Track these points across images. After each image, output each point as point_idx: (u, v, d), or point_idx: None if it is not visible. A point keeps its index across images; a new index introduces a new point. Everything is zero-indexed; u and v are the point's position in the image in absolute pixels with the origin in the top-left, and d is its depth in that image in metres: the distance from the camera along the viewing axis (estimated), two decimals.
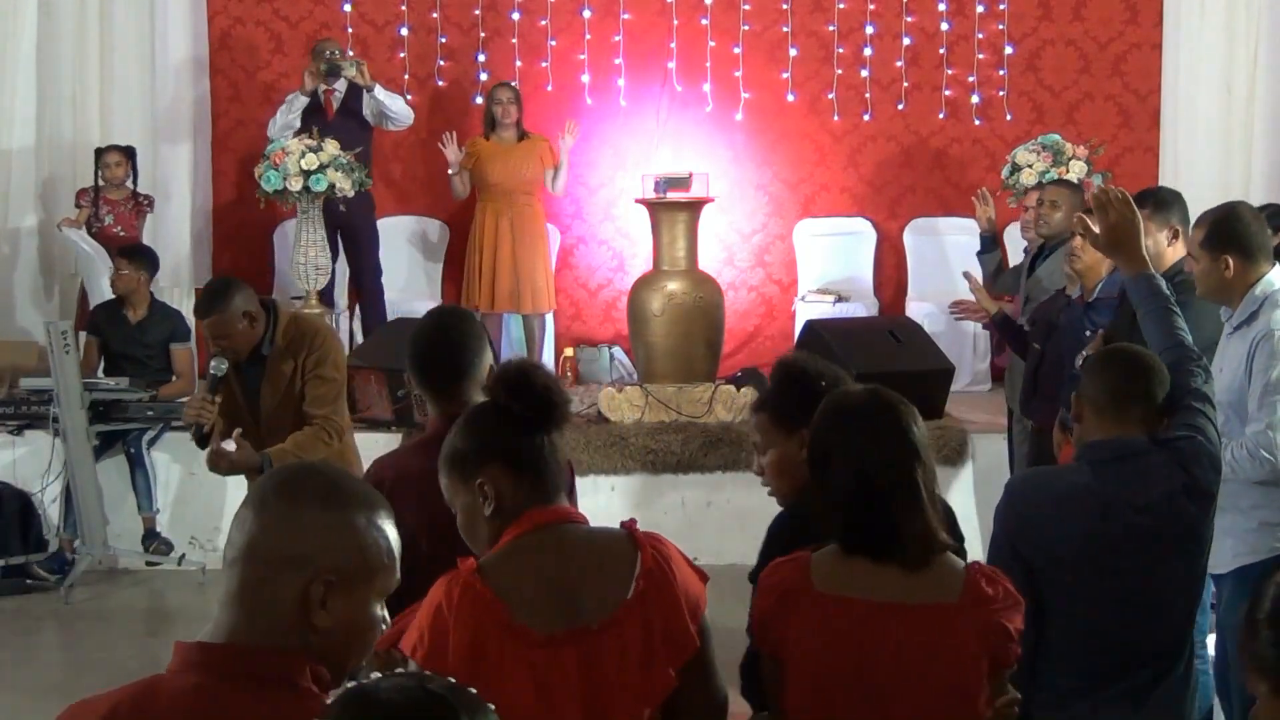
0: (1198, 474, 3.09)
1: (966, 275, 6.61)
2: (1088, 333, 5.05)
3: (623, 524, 2.57)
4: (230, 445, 4.46)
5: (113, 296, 7.90)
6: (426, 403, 3.36)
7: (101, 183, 8.47)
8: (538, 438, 2.52)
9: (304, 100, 8.43)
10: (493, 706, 1.57)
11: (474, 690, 1.57)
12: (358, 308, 8.85)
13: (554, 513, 2.51)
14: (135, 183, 8.57)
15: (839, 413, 2.65)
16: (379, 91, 8.51)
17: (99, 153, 8.51)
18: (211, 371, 4.59)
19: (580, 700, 2.40)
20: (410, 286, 9.17)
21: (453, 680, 1.57)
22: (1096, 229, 3.55)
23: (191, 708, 1.76)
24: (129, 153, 8.54)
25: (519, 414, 2.52)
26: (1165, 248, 4.51)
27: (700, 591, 2.52)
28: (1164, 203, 4.58)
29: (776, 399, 3.03)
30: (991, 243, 7.30)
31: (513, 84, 8.89)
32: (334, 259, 8.50)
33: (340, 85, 8.48)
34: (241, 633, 1.81)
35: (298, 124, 8.43)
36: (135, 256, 7.75)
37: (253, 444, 4.57)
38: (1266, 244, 4.03)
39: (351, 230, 8.54)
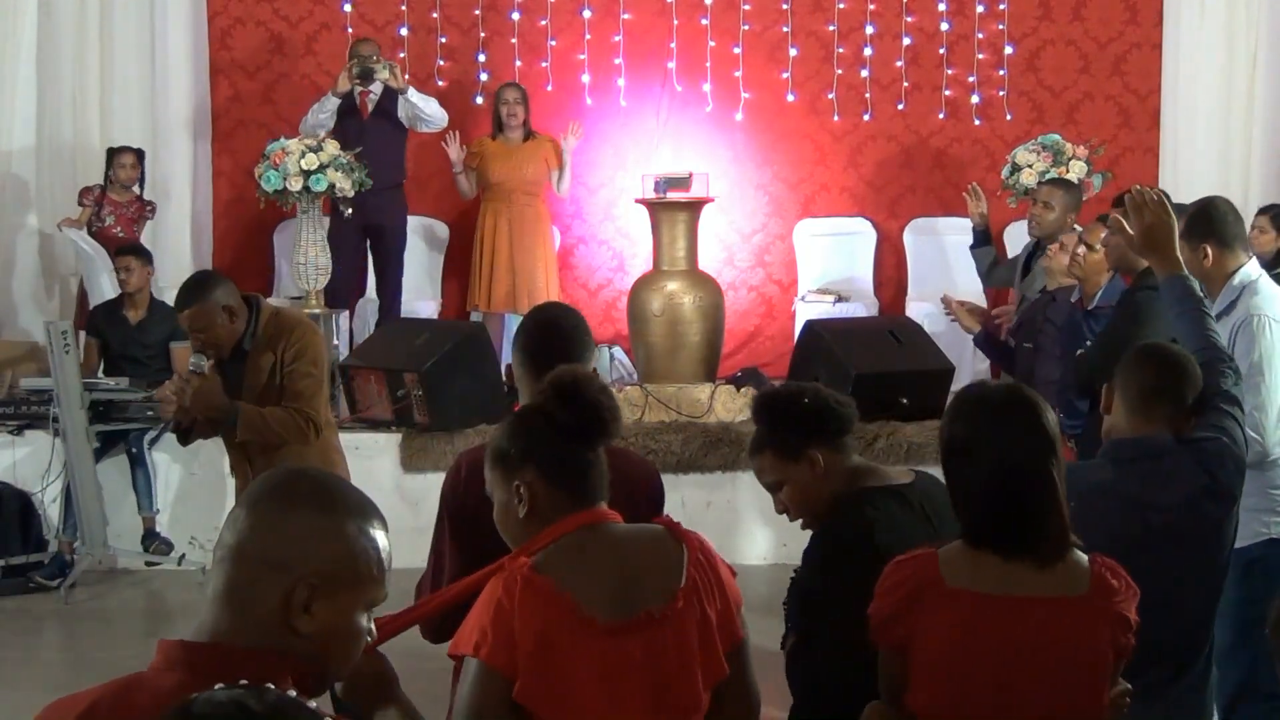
0: (1220, 476, 3.10)
1: (944, 300, 6.51)
2: (1088, 341, 5.06)
3: (657, 520, 2.59)
4: (205, 365, 4.46)
5: (113, 296, 7.90)
6: (521, 396, 3.27)
7: (109, 182, 8.46)
8: (581, 449, 2.52)
9: (335, 101, 8.44)
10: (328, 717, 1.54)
11: (310, 706, 1.53)
12: (367, 306, 8.85)
13: (595, 514, 2.51)
14: (142, 187, 8.58)
15: (980, 406, 2.64)
16: (412, 94, 8.52)
17: (113, 152, 8.49)
18: (190, 369, 4.56)
19: (647, 688, 2.42)
20: (412, 286, 9.16)
21: (290, 695, 1.54)
22: (1131, 229, 3.63)
23: (171, 706, 1.75)
24: (140, 155, 8.56)
25: (565, 425, 2.51)
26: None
27: (735, 584, 2.55)
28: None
29: (771, 434, 3.00)
30: (984, 237, 7.31)
31: (519, 85, 8.89)
32: (356, 257, 8.51)
33: (376, 87, 8.48)
34: (225, 633, 1.79)
35: (331, 124, 8.44)
36: (139, 253, 7.77)
37: (233, 441, 4.56)
38: (1242, 234, 4.18)
39: (382, 230, 8.55)
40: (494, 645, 2.39)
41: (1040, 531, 2.53)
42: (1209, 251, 4.04)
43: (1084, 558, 2.58)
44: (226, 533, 1.84)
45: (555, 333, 3.21)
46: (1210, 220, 4.08)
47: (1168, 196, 3.66)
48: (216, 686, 1.54)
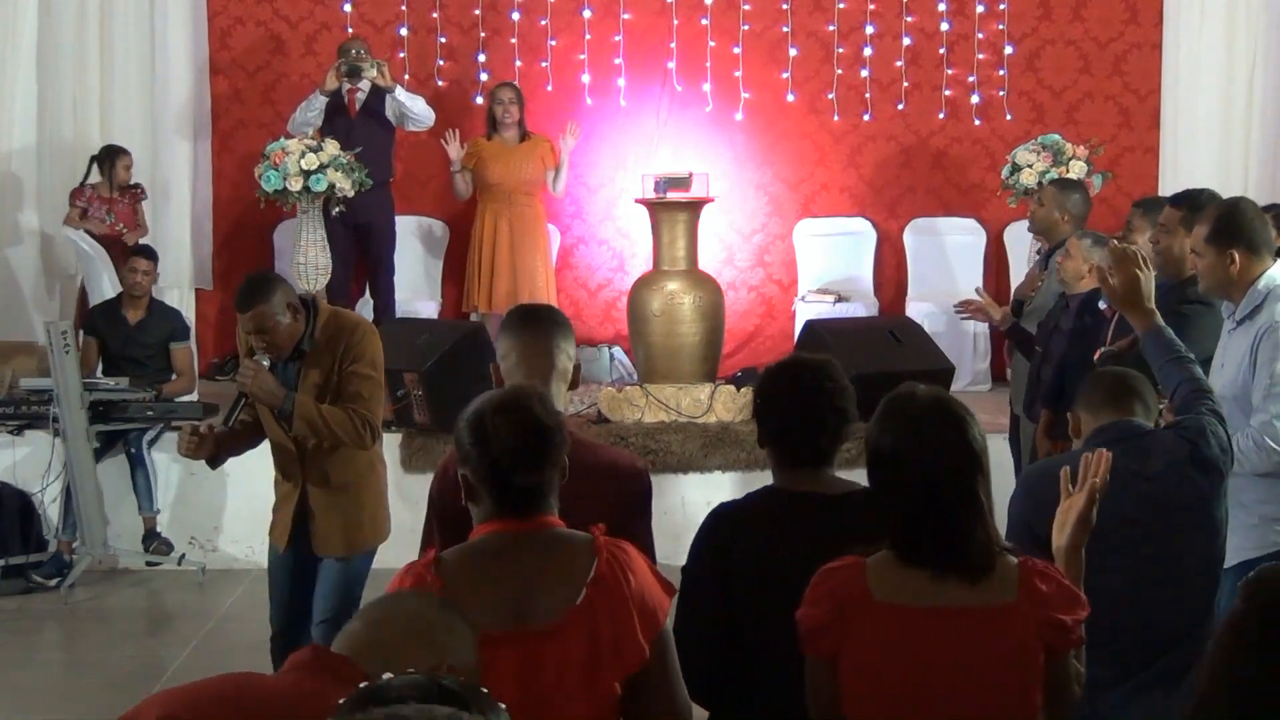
0: (1202, 446, 3.16)
1: (978, 291, 6.55)
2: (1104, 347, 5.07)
3: (591, 529, 2.56)
4: (265, 361, 4.41)
5: (112, 296, 7.91)
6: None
7: (97, 179, 8.44)
8: (512, 469, 2.50)
9: (323, 100, 8.43)
10: (504, 705, 1.57)
11: (486, 690, 1.57)
12: (365, 307, 8.85)
13: (513, 523, 2.51)
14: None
15: (904, 417, 2.59)
16: (400, 93, 8.52)
17: (114, 153, 8.46)
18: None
19: (516, 703, 2.38)
20: (412, 286, 9.17)
21: (462, 679, 1.58)
22: (1113, 280, 3.66)
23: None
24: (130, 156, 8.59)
25: (494, 451, 2.50)
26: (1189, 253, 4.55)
27: (660, 603, 2.51)
28: (1201, 207, 4.58)
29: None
30: (1020, 330, 6.39)
31: (514, 84, 8.89)
32: (352, 257, 8.51)
33: (364, 85, 8.48)
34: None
35: (319, 122, 8.44)
36: (150, 255, 7.80)
37: (286, 444, 4.52)
38: (1270, 238, 4.08)
39: (370, 229, 8.54)
40: None
41: (963, 549, 2.50)
42: (1236, 257, 3.97)
43: (1012, 561, 2.55)
44: None
45: (535, 322, 3.28)
46: (1240, 225, 4.00)
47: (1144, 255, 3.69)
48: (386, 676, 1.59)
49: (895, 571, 2.53)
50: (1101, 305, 5.39)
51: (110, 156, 8.46)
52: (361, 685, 1.57)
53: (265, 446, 4.69)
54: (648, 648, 2.46)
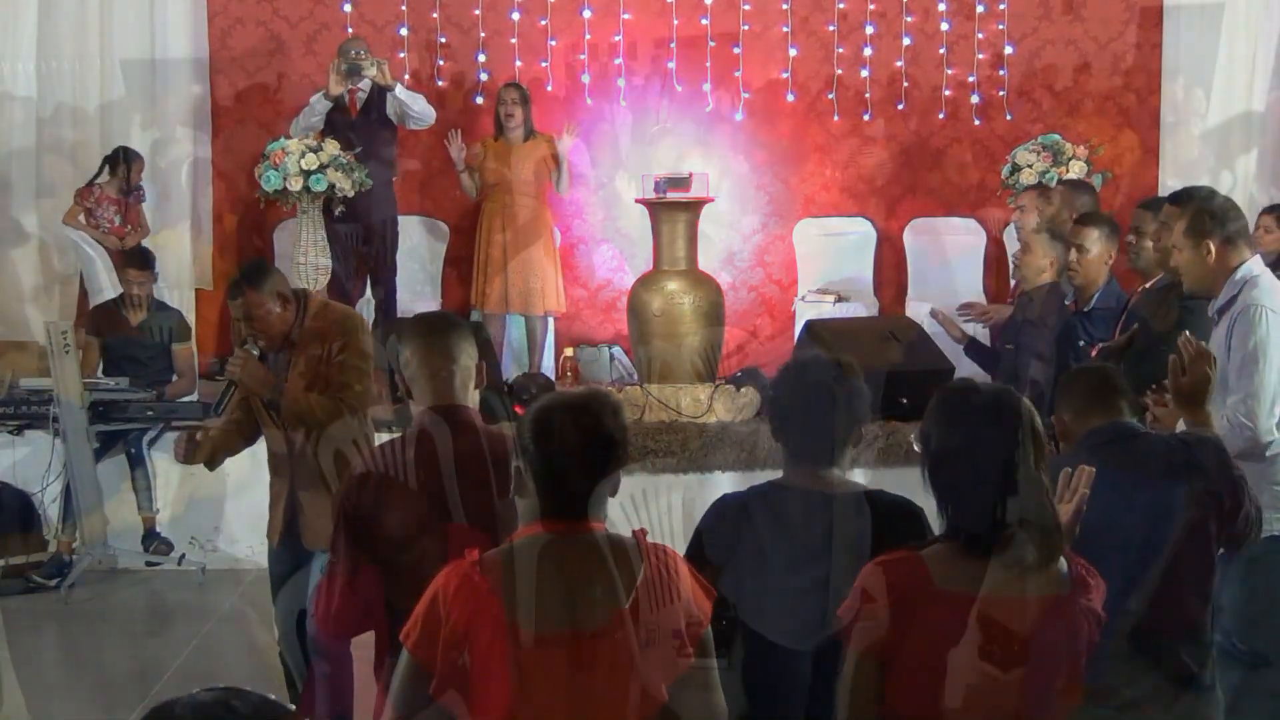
0: (1198, 453, 3.15)
1: (933, 312, 6.62)
2: (1081, 342, 5.08)
3: (634, 533, 2.55)
4: (255, 351, 4.45)
5: (113, 296, 7.90)
6: (414, 396, 3.33)
7: (106, 179, 8.44)
8: (570, 478, 2.48)
9: (326, 105, 8.39)
10: None
11: (290, 708, 1.56)
12: (366, 306, 8.84)
13: (566, 522, 2.49)
14: None
15: (967, 409, 2.58)
16: (400, 91, 8.50)
17: (131, 156, 8.44)
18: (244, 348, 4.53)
19: (566, 704, 2.39)
20: (412, 286, 9.16)
21: (270, 697, 1.56)
22: (1182, 378, 3.53)
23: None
24: None
25: (554, 452, 2.48)
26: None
27: (704, 608, 2.51)
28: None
29: None
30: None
31: (519, 84, 8.87)
32: (353, 256, 8.50)
33: (364, 84, 8.47)
34: None
35: (320, 125, 8.42)
36: (145, 264, 7.77)
37: (275, 434, 4.54)
38: (1244, 229, 4.17)
39: (372, 228, 8.53)
40: (420, 637, 2.41)
41: (1034, 537, 2.49)
42: (1212, 248, 4.06)
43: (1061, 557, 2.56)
44: None
45: (434, 333, 3.35)
46: (1211, 217, 4.09)
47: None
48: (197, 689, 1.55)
49: (955, 563, 2.51)
50: (1067, 300, 5.43)
51: (128, 159, 8.46)
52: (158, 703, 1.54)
53: (264, 446, 4.70)
54: (693, 651, 2.46)
